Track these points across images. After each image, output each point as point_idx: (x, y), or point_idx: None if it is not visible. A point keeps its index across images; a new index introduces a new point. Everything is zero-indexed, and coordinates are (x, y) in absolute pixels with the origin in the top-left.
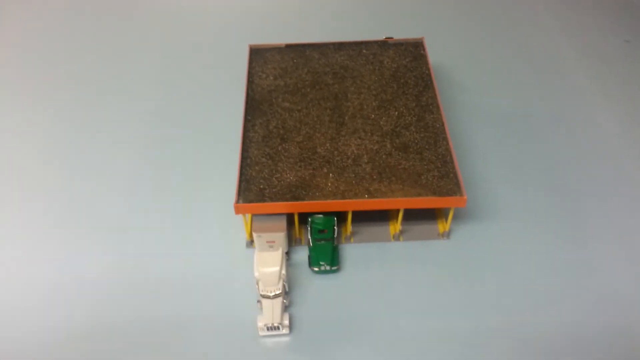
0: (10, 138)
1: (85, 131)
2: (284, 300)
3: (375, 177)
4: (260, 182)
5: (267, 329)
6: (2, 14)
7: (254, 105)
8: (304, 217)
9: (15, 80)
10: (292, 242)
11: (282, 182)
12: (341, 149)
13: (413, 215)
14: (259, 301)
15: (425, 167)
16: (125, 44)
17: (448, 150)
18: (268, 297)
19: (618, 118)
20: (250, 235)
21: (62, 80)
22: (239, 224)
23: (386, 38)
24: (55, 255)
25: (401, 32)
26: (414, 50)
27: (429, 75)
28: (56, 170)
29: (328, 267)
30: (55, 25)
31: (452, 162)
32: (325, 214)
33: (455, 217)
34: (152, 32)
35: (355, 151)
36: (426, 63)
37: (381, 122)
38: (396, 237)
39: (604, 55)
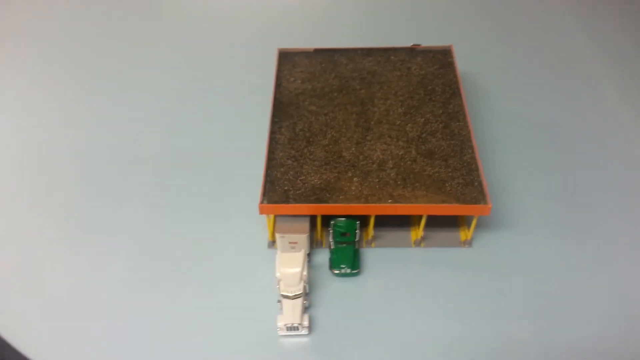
0: (26, 137)
1: (109, 129)
2: (304, 301)
3: (399, 182)
4: (285, 183)
5: (287, 329)
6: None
7: (281, 108)
8: (326, 220)
9: (38, 75)
10: (313, 244)
11: (307, 184)
12: (366, 153)
13: (435, 222)
14: (279, 301)
15: (450, 174)
16: (155, 45)
17: (473, 158)
18: (289, 298)
19: None
20: (273, 236)
21: (84, 80)
22: (262, 224)
23: (414, 45)
24: (75, 261)
25: (429, 39)
26: (442, 58)
27: (457, 82)
28: (82, 170)
29: (349, 271)
30: (80, 25)
31: (477, 170)
32: (348, 217)
33: (477, 225)
34: (182, 34)
35: (380, 156)
36: (454, 71)
37: (407, 128)
38: (417, 244)
39: (633, 67)
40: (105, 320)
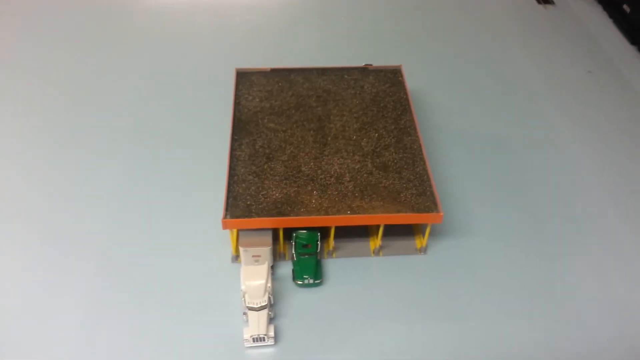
0: None
1: (69, 147)
2: (269, 313)
3: (357, 194)
4: (247, 198)
5: (253, 340)
6: None
7: (241, 126)
8: (288, 233)
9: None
10: (276, 256)
11: (268, 198)
12: (324, 167)
13: (392, 232)
14: (245, 313)
15: (404, 185)
16: (113, 63)
17: (425, 169)
18: (254, 309)
19: (581, 141)
20: (236, 250)
21: (47, 97)
22: (225, 239)
23: (365, 65)
24: (39, 273)
25: (380, 59)
26: (393, 77)
27: (407, 100)
28: (39, 187)
29: (311, 281)
30: (40, 43)
31: (429, 180)
32: (309, 229)
33: (431, 234)
34: (141, 53)
35: (338, 170)
36: (404, 88)
37: (362, 143)
38: (376, 252)
39: (569, 84)
40: (68, 340)
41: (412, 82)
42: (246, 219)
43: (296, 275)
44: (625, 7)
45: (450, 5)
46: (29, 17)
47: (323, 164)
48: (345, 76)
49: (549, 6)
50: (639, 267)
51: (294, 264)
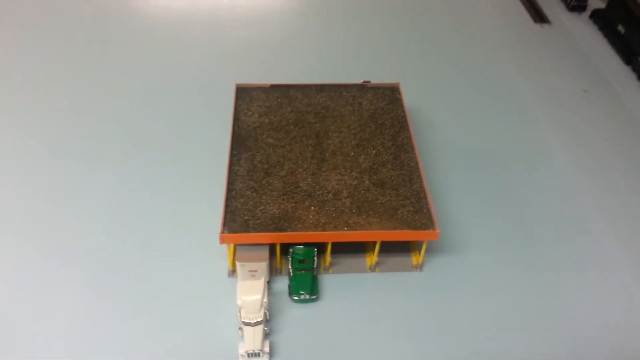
0: None
1: (68, 158)
2: (265, 328)
3: (354, 210)
4: (245, 213)
5: (248, 355)
6: None
7: (240, 141)
8: (285, 248)
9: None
10: (273, 272)
11: (266, 214)
12: (322, 183)
13: (388, 248)
14: (240, 328)
15: (401, 202)
16: (111, 76)
17: (422, 187)
18: (250, 325)
19: (575, 159)
20: (233, 265)
21: (44, 108)
22: (221, 253)
23: (364, 82)
24: (31, 286)
25: (378, 76)
26: (390, 94)
27: (404, 117)
28: (33, 195)
29: (307, 296)
30: (40, 55)
31: (425, 198)
32: (306, 245)
33: (427, 250)
34: (139, 66)
35: (335, 186)
36: (402, 106)
37: (360, 160)
38: (372, 269)
39: (564, 102)
40: (62, 350)
41: (409, 98)
42: (243, 234)
43: (292, 291)
44: (620, 27)
45: (448, 24)
46: (29, 30)
47: (321, 180)
48: (344, 93)
49: (545, 25)
50: (633, 284)
51: (291, 279)
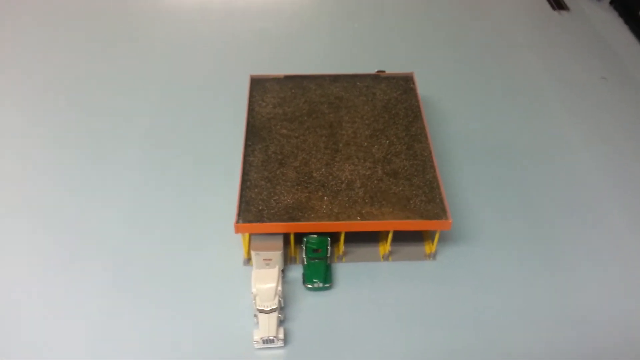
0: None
1: (85, 152)
2: (279, 315)
3: (367, 200)
4: (259, 203)
5: (263, 342)
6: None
7: (254, 132)
8: (299, 237)
9: (14, 95)
10: (287, 260)
11: (280, 204)
12: (335, 174)
13: (401, 237)
14: (255, 315)
15: (414, 192)
16: (124, 69)
17: (435, 177)
18: (264, 312)
19: (593, 150)
20: (248, 254)
21: (58, 103)
22: (237, 242)
23: (378, 72)
24: (51, 279)
25: (392, 66)
26: (404, 84)
27: (418, 107)
28: (52, 190)
29: (321, 285)
30: (54, 47)
31: (438, 188)
32: (319, 234)
33: (440, 240)
34: (153, 59)
35: (348, 176)
36: (415, 96)
37: (373, 150)
38: (385, 258)
39: (582, 91)
40: (79, 340)
41: (423, 89)
42: (258, 224)
43: (306, 279)
44: None
45: (462, 12)
46: (42, 22)
47: (334, 170)
48: (358, 83)
49: (563, 12)
50: None
51: (304, 267)
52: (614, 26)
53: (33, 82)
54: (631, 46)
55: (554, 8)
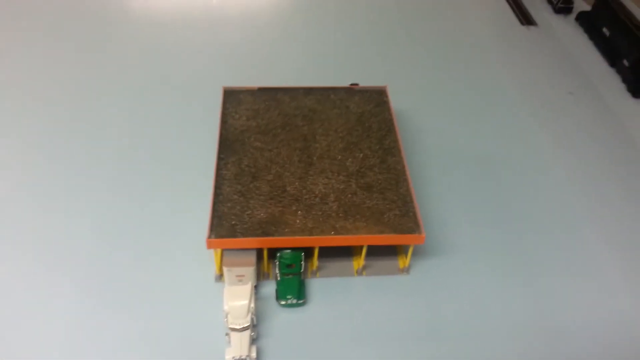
0: None
1: (57, 161)
2: (252, 333)
3: (341, 214)
4: (232, 218)
5: None
6: None
7: (227, 144)
8: (272, 252)
9: None
10: (260, 276)
11: (253, 218)
12: (309, 187)
13: (375, 251)
14: (227, 334)
15: (388, 206)
16: (98, 78)
17: (408, 190)
18: (236, 330)
19: (562, 160)
20: (220, 269)
21: (33, 115)
22: (208, 258)
23: (351, 85)
24: (23, 289)
25: (366, 79)
26: (378, 97)
27: (391, 120)
28: (24, 202)
29: (295, 301)
30: (27, 52)
31: (412, 202)
32: (293, 249)
33: (414, 253)
34: (127, 68)
35: (322, 190)
36: (389, 109)
37: (347, 163)
38: (359, 272)
39: (550, 105)
40: (54, 353)
41: (397, 101)
42: (231, 239)
43: (279, 295)
44: (605, 30)
45: (435, 27)
46: (21, 31)
47: (308, 183)
48: (331, 96)
49: (532, 27)
50: (617, 284)
51: (278, 283)
52: (580, 41)
53: (3, 86)
54: (596, 61)
55: (522, 23)
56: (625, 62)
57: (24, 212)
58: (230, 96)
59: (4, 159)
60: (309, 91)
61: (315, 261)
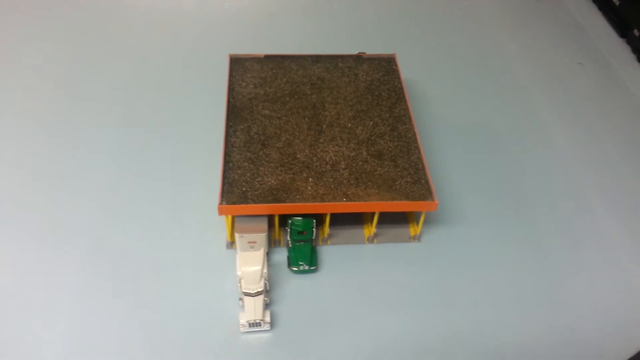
0: None
1: (61, 136)
2: (265, 298)
3: (352, 182)
4: (242, 184)
5: (249, 325)
6: None
7: (235, 112)
8: (283, 219)
9: None
10: (272, 243)
11: (264, 185)
12: (320, 155)
13: (386, 219)
14: (241, 299)
15: (399, 173)
16: (101, 50)
17: (420, 158)
18: (250, 295)
19: (568, 132)
20: (231, 236)
21: (37, 87)
22: (220, 225)
23: (359, 53)
24: (33, 267)
25: (372, 48)
26: (387, 65)
27: (401, 88)
28: (30, 176)
29: (306, 267)
30: (26, 29)
31: (423, 169)
32: (304, 216)
33: (426, 221)
34: (130, 40)
35: (333, 157)
36: (398, 77)
37: (357, 131)
38: (370, 240)
39: (559, 75)
40: (61, 327)
41: (405, 70)
42: (242, 205)
43: (291, 262)
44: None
45: None
46: (17, 9)
47: (318, 151)
48: (340, 64)
49: None
50: (625, 261)
51: (289, 250)
52: (589, 12)
53: (6, 67)
54: (605, 32)
55: None
56: (636, 32)
57: (24, 192)
58: (237, 64)
59: (4, 137)
60: (316, 59)
61: (327, 228)
